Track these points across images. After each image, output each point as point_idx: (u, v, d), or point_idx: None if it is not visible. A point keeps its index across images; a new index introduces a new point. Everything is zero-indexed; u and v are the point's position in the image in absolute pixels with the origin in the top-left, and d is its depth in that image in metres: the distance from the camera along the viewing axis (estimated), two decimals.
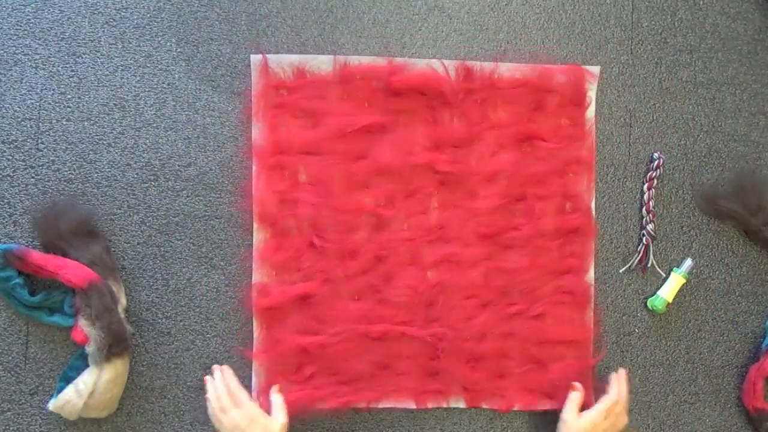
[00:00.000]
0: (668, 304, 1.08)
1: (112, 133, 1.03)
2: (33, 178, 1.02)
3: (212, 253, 1.04)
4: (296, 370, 1.03)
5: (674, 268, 1.09)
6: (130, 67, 1.04)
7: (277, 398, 0.98)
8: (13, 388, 1.01)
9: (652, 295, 1.09)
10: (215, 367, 0.99)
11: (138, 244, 1.03)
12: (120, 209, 1.03)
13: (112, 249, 1.02)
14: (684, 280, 1.08)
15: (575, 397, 1.01)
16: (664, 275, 1.10)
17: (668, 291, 1.08)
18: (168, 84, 1.04)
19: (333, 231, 1.04)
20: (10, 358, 1.01)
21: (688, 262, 1.09)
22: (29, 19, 1.03)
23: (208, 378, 0.98)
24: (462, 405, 1.06)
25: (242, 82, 1.05)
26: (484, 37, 1.09)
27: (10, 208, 1.02)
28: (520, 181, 1.07)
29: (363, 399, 1.04)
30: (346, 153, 1.04)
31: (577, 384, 1.02)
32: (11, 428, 1.01)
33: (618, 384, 1.02)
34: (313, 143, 1.04)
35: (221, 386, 0.96)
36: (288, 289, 1.03)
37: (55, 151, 1.03)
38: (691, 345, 1.11)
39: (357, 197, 1.05)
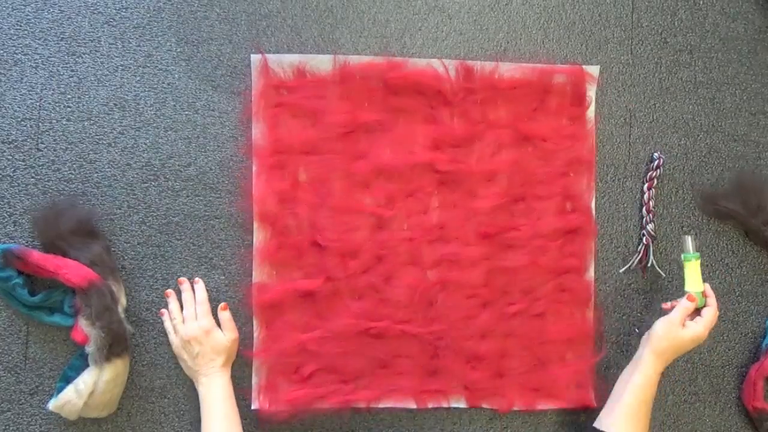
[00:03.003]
0: (703, 292, 0.99)
1: (112, 132, 1.03)
2: (33, 178, 1.02)
3: (212, 253, 1.04)
4: (296, 370, 1.03)
5: (684, 255, 1.01)
6: (130, 67, 1.04)
7: (225, 315, 1.03)
8: (13, 388, 1.01)
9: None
10: (183, 280, 1.03)
11: (138, 244, 1.03)
12: (120, 209, 1.03)
13: (112, 249, 1.02)
14: (698, 260, 1.00)
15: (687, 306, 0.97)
16: (663, 275, 1.10)
17: (694, 281, 1.00)
18: (168, 84, 1.04)
19: (333, 230, 1.04)
20: (10, 358, 1.01)
21: (689, 241, 1.00)
22: (29, 19, 1.03)
23: (170, 291, 1.03)
24: (462, 404, 1.06)
25: (242, 81, 1.05)
26: (484, 36, 1.09)
27: (10, 208, 1.02)
28: (520, 181, 1.07)
29: (363, 398, 1.04)
30: (346, 153, 1.04)
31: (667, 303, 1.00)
32: (11, 428, 1.01)
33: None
34: (313, 143, 1.04)
35: (189, 298, 1.02)
36: (288, 285, 1.03)
37: (55, 151, 1.03)
38: None
39: (357, 197, 1.05)
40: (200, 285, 1.03)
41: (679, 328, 0.95)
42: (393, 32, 1.07)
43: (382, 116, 1.05)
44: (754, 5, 1.14)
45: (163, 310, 1.03)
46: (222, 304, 1.03)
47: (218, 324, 1.02)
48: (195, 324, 1.00)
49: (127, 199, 1.03)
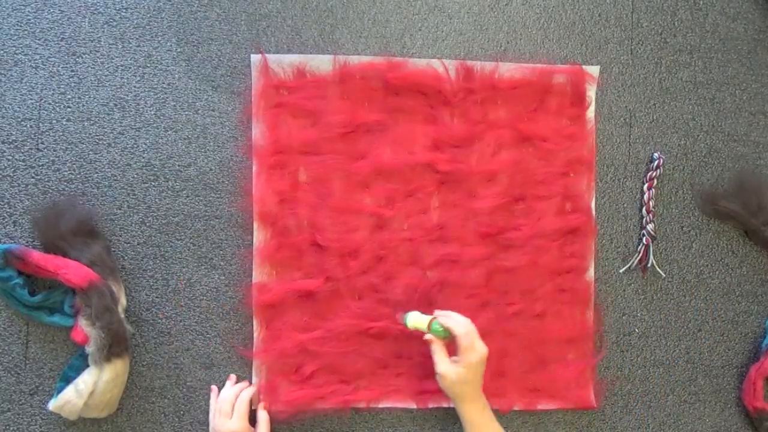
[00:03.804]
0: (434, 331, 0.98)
1: (112, 133, 1.03)
2: (33, 178, 1.02)
3: (212, 253, 1.04)
4: (296, 370, 1.03)
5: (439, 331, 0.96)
6: (130, 67, 1.04)
7: (263, 414, 1.00)
8: (13, 388, 1.01)
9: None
10: (233, 377, 1.03)
11: (138, 244, 1.03)
12: (120, 209, 1.03)
13: (112, 249, 1.02)
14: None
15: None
16: (663, 275, 1.10)
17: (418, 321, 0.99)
18: (168, 84, 1.04)
19: (333, 230, 1.04)
20: (10, 358, 1.01)
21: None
22: (29, 19, 1.03)
23: (214, 388, 1.03)
24: None
25: (242, 82, 1.05)
26: (484, 37, 1.09)
27: (10, 208, 1.02)
28: (521, 181, 1.07)
29: (363, 398, 1.04)
30: (346, 153, 1.04)
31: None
32: (11, 428, 1.01)
33: (454, 326, 0.95)
34: (313, 143, 1.04)
35: (231, 394, 0.99)
36: (288, 285, 1.03)
37: (55, 151, 1.03)
38: (691, 345, 1.11)
39: (357, 197, 1.05)
40: (249, 390, 1.01)
41: (453, 369, 0.94)
42: (393, 32, 1.07)
43: (382, 116, 1.05)
44: (754, 5, 1.14)
45: (220, 398, 1.01)
46: (261, 404, 1.01)
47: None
48: (227, 422, 0.97)
49: (127, 199, 1.03)
